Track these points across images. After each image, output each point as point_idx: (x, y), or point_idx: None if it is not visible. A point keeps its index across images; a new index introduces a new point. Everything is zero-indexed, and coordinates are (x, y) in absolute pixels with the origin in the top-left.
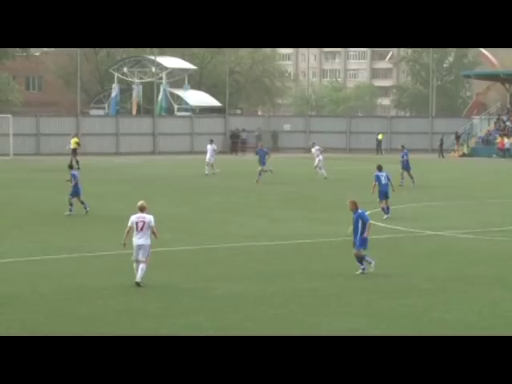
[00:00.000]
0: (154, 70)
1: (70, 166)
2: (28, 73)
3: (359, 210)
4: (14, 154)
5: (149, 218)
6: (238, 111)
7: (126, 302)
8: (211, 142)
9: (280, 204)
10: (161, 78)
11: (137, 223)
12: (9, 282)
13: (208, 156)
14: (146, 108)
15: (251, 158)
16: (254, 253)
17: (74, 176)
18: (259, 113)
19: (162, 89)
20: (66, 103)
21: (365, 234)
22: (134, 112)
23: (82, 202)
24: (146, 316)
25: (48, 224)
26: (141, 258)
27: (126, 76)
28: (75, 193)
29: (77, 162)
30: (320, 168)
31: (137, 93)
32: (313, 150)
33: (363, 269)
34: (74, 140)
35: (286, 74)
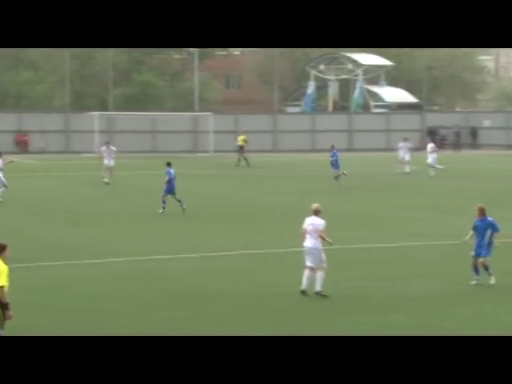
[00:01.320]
0: (350, 67)
1: (168, 164)
2: (227, 72)
3: (489, 218)
4: (214, 151)
5: (318, 222)
6: (436, 107)
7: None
8: (405, 139)
9: (478, 202)
10: (357, 75)
11: (308, 225)
12: (205, 276)
13: (402, 154)
14: (342, 105)
15: (450, 155)
16: (447, 252)
17: (168, 173)
18: (457, 109)
19: (357, 85)
20: (263, 101)
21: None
22: (330, 109)
23: (179, 200)
24: (345, 313)
25: (241, 219)
26: (314, 265)
27: (322, 73)
28: (168, 190)
29: (245, 158)
30: (433, 165)
31: (333, 90)
32: (429, 146)
33: (478, 279)
34: (241, 137)
35: (486, 70)
